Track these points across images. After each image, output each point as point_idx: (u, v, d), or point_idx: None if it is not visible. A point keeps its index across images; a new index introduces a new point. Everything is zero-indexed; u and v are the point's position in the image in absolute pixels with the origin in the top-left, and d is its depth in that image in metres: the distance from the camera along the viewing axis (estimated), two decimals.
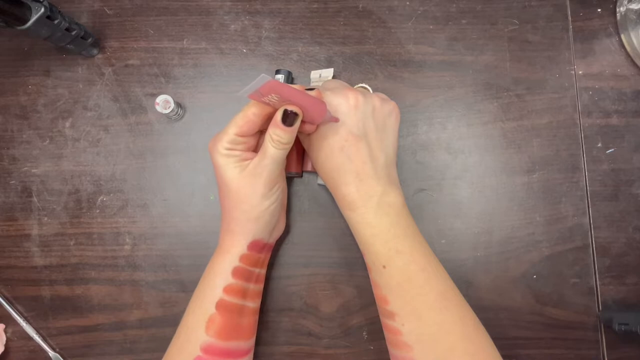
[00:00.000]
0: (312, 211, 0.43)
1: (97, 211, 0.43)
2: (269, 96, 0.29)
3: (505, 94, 0.44)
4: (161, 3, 0.46)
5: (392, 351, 0.34)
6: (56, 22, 0.38)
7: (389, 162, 0.36)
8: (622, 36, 0.45)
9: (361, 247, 0.36)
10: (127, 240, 0.43)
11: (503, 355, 0.33)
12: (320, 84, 0.43)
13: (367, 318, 0.42)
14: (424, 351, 0.32)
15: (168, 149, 0.44)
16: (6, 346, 0.42)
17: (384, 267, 0.33)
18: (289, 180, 0.44)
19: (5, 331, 0.42)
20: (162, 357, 0.35)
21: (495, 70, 0.45)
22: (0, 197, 0.44)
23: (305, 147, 0.37)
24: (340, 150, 0.33)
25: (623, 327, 0.39)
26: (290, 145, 0.33)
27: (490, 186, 0.43)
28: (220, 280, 0.35)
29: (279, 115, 0.31)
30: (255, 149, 0.36)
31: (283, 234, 0.43)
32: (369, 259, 0.35)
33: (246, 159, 0.34)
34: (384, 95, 0.37)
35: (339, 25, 0.45)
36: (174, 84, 0.45)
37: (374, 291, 0.36)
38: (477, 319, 0.34)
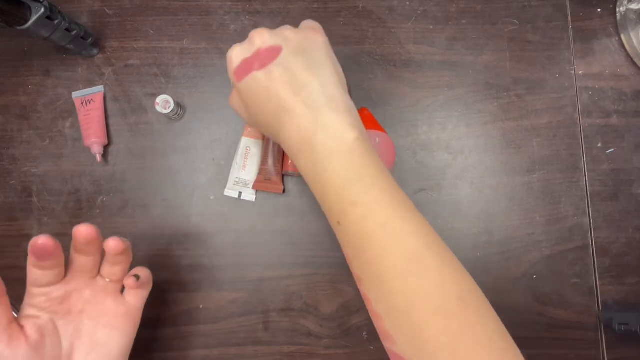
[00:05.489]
0: (312, 211, 0.43)
1: (97, 211, 0.43)
2: None
3: (505, 94, 0.44)
4: (161, 3, 0.46)
5: (370, 315, 0.30)
6: (56, 22, 0.38)
7: (327, 86, 0.30)
8: (622, 36, 0.45)
9: (318, 200, 0.30)
10: (127, 240, 0.43)
11: None
12: None
13: (367, 318, 0.42)
14: (394, 324, 0.26)
15: (168, 149, 0.44)
16: None
17: (339, 223, 0.28)
18: (289, 180, 0.44)
19: None
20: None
21: (495, 70, 0.45)
22: (0, 197, 0.44)
23: (240, 111, 0.34)
24: (266, 90, 0.29)
25: (623, 327, 0.39)
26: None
27: (490, 186, 0.43)
28: None
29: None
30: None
31: (283, 233, 0.43)
32: (325, 213, 0.30)
33: None
34: (303, 25, 0.33)
35: (339, 25, 0.45)
36: (174, 84, 0.45)
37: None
38: (465, 285, 0.27)
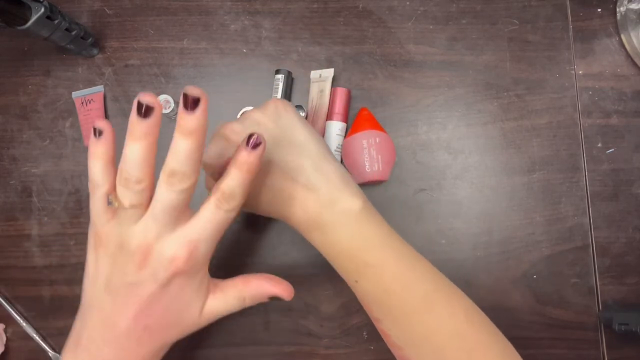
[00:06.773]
0: None
1: None
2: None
3: (505, 94, 0.44)
4: (161, 3, 0.46)
5: (388, 346, 0.34)
6: (56, 22, 0.38)
7: (318, 163, 0.31)
8: (622, 36, 0.45)
9: (331, 263, 0.33)
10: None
11: None
12: (318, 84, 0.43)
13: (367, 318, 0.41)
14: (416, 351, 0.31)
15: (168, 149, 0.44)
16: (6, 346, 0.42)
17: (357, 281, 0.31)
18: None
19: (5, 331, 0.42)
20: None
21: (495, 70, 0.45)
22: (0, 197, 0.44)
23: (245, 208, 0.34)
24: (262, 186, 0.31)
25: (623, 327, 0.39)
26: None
27: (490, 186, 0.43)
28: None
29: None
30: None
31: (283, 233, 0.43)
32: (340, 274, 0.33)
33: None
34: (263, 104, 0.33)
35: (339, 25, 0.45)
36: (174, 84, 0.45)
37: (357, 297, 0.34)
38: (472, 312, 0.32)
